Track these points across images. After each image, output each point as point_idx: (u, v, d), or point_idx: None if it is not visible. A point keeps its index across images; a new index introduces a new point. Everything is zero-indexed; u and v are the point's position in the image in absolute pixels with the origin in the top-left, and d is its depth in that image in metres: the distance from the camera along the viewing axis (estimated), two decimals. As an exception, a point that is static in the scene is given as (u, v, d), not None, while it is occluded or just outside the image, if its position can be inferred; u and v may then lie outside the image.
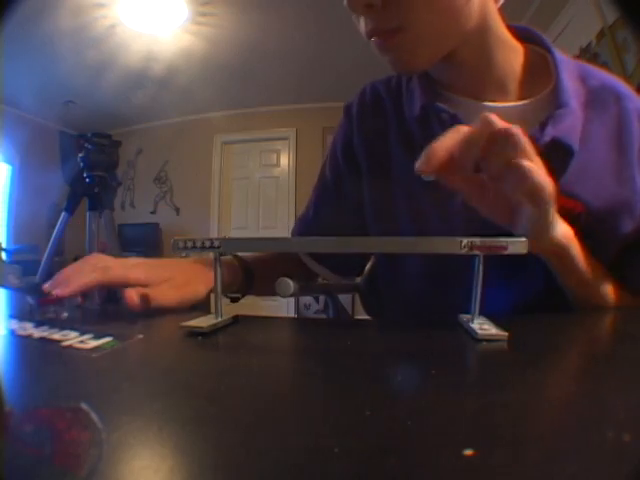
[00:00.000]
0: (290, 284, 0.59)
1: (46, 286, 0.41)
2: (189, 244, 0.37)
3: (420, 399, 0.21)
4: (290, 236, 0.60)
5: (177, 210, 4.14)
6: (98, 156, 1.64)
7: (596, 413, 0.20)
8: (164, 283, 0.45)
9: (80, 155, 1.64)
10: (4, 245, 3.25)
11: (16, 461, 0.13)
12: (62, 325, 0.35)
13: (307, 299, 3.55)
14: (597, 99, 0.48)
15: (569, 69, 0.49)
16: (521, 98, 0.49)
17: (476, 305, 0.34)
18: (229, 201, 4.10)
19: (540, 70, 0.49)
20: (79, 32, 2.50)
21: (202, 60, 2.97)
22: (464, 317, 0.35)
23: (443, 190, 0.48)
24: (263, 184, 4.03)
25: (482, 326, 0.32)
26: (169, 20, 2.50)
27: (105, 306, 0.47)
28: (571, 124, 0.45)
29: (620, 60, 1.66)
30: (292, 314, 3.61)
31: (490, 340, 0.30)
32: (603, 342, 0.34)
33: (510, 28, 0.50)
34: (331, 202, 0.63)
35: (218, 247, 0.36)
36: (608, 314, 0.44)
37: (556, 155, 0.45)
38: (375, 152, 0.56)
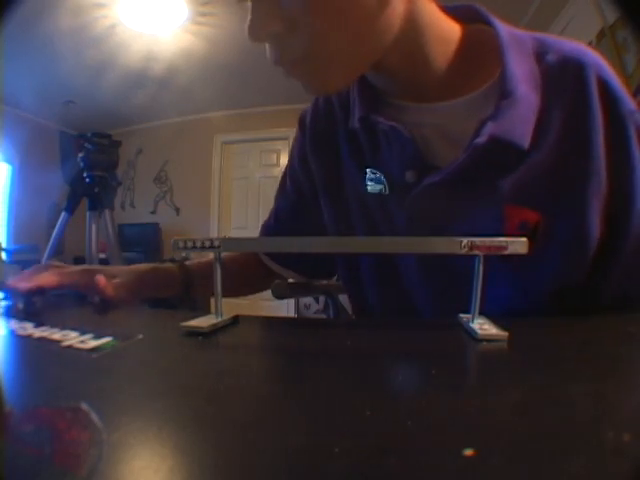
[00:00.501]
0: (285, 287, 0.60)
1: (11, 281, 0.45)
2: (189, 244, 0.37)
3: (420, 399, 0.21)
4: None
5: (177, 210, 4.14)
6: (98, 156, 1.64)
7: (596, 413, 0.20)
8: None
9: (80, 155, 1.64)
10: (4, 245, 3.25)
11: (16, 461, 0.13)
12: (62, 325, 0.35)
13: (307, 299, 3.55)
14: (556, 76, 0.41)
15: (521, 47, 0.42)
16: (470, 90, 0.43)
17: (476, 305, 0.34)
18: (229, 201, 4.10)
19: (489, 54, 0.42)
20: (79, 32, 2.49)
21: (202, 60, 2.97)
22: (464, 317, 0.35)
23: (390, 202, 0.48)
24: (263, 184, 4.03)
25: (482, 326, 0.32)
26: (169, 20, 2.50)
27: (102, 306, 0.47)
28: (518, 117, 0.39)
29: (620, 60, 1.66)
30: (292, 314, 3.61)
31: (490, 340, 0.30)
32: (603, 343, 0.34)
33: (449, 11, 0.44)
34: (291, 210, 0.63)
35: (218, 247, 0.36)
36: (608, 315, 0.44)
37: (503, 154, 0.40)
38: (327, 162, 0.55)
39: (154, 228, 4.00)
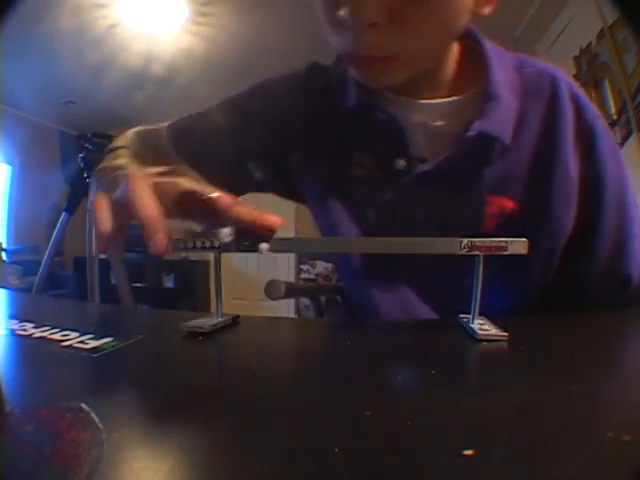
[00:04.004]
0: (279, 287, 0.59)
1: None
2: (189, 244, 0.37)
3: (420, 399, 0.21)
4: None
5: (177, 210, 4.14)
6: (98, 156, 1.64)
7: (596, 413, 0.20)
8: None
9: (80, 155, 1.64)
10: (4, 245, 3.25)
11: (16, 461, 0.13)
12: (62, 325, 0.35)
13: (307, 300, 3.55)
14: (533, 85, 0.47)
15: (502, 60, 0.48)
16: (456, 94, 0.48)
17: (476, 305, 0.34)
18: (229, 201, 4.09)
19: (475, 65, 0.47)
20: (79, 32, 2.49)
21: (202, 60, 2.97)
22: (464, 317, 0.35)
23: (377, 187, 0.49)
24: (263, 184, 4.03)
25: (482, 326, 0.32)
26: (169, 20, 2.50)
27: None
28: (501, 117, 0.45)
29: (620, 60, 1.66)
30: (292, 315, 3.61)
31: (490, 340, 0.30)
32: (602, 342, 0.34)
33: None
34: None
35: (218, 247, 0.36)
36: (606, 314, 0.44)
37: (487, 149, 0.45)
38: (307, 140, 0.53)
39: (154, 228, 3.99)
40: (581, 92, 0.49)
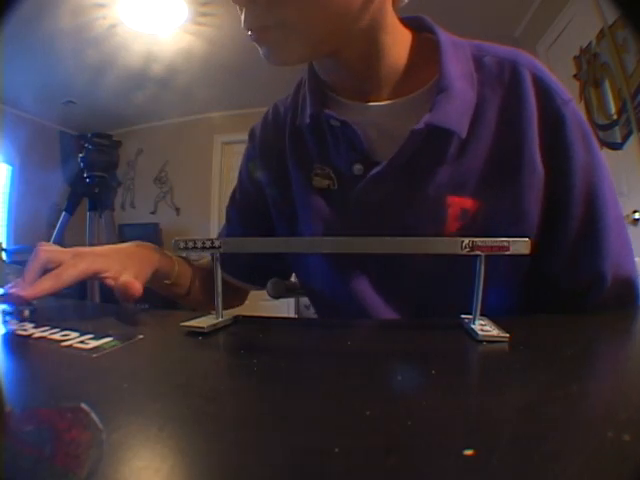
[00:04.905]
0: (282, 286, 0.60)
1: (13, 291, 0.41)
2: (189, 244, 0.37)
3: (420, 399, 0.21)
4: None
5: (177, 210, 4.13)
6: (98, 156, 1.65)
7: (596, 413, 0.20)
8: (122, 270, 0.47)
9: (80, 155, 1.65)
10: (4, 245, 3.25)
11: (16, 461, 0.13)
12: (62, 325, 0.35)
13: (307, 299, 3.54)
14: (492, 75, 0.45)
15: (459, 51, 0.46)
16: (411, 91, 0.46)
17: (477, 306, 0.34)
18: (229, 201, 4.09)
19: (431, 59, 0.46)
20: (79, 32, 2.49)
21: (202, 60, 2.97)
22: (465, 318, 0.35)
23: (339, 197, 0.49)
24: (263, 184, 4.02)
25: (483, 327, 0.32)
26: (169, 20, 2.50)
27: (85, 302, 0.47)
28: (453, 108, 0.42)
29: (620, 60, 1.66)
30: (292, 314, 3.61)
31: (491, 341, 0.30)
32: (602, 342, 0.34)
33: (402, 20, 0.47)
34: (242, 222, 0.63)
35: (218, 247, 0.36)
36: (608, 315, 0.44)
37: (442, 144, 0.44)
38: (275, 169, 0.55)
39: (154, 228, 3.99)
40: (548, 75, 0.45)
